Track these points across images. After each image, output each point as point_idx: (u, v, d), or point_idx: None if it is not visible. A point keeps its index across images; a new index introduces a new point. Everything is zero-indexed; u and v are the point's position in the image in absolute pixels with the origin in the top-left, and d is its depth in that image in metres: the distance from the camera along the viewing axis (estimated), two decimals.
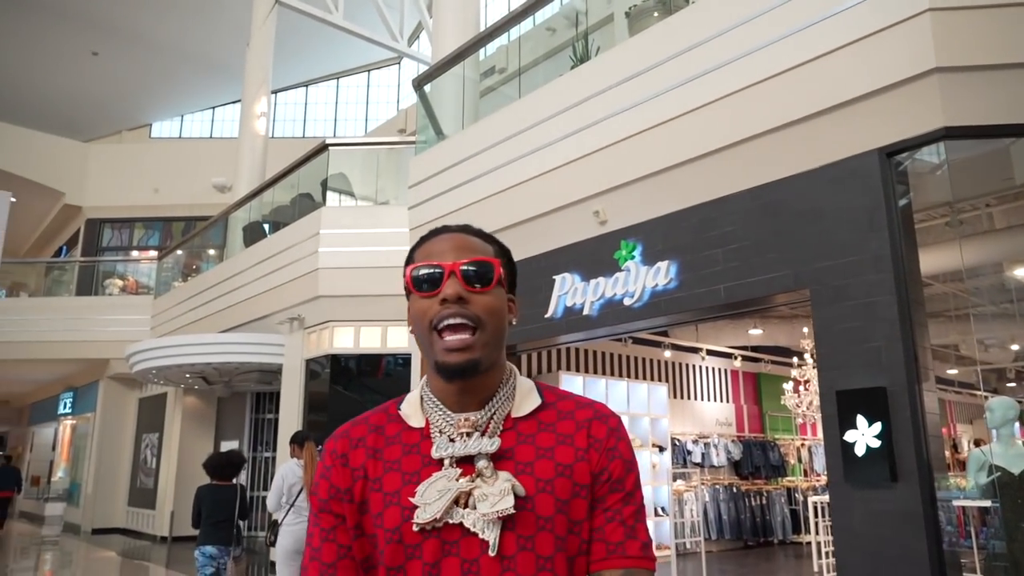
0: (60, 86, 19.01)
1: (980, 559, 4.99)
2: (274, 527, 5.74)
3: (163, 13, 16.92)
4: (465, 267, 1.05)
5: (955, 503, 4.32)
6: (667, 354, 11.11)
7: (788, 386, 10.72)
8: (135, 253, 19.07)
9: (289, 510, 5.57)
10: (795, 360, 10.63)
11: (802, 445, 12.77)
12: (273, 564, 6.30)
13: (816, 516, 9.04)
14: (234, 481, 5.78)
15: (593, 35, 7.22)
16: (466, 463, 1.03)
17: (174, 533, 12.88)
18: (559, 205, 6.11)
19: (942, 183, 4.61)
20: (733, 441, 11.85)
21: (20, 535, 15.81)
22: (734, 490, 11.18)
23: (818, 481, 11.62)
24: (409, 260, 1.11)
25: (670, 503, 9.62)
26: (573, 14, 8.42)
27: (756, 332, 10.74)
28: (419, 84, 8.06)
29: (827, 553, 8.41)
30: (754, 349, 12.37)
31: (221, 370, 11.20)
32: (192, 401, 13.55)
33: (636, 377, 10.73)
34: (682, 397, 11.71)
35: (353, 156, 11.26)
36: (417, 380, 7.59)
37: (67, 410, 17.64)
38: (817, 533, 8.93)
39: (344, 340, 9.37)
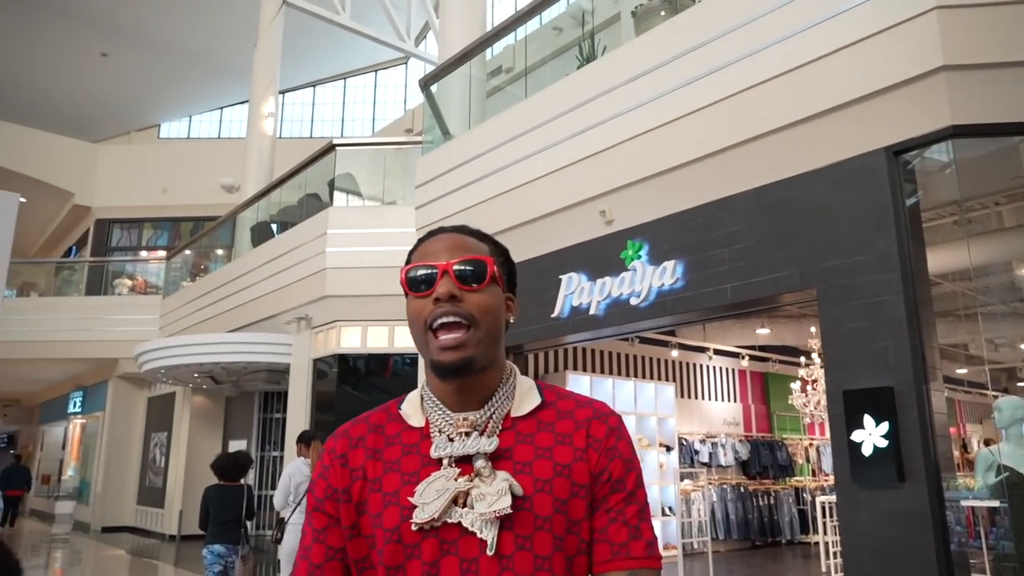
0: (69, 87, 19.12)
1: (989, 560, 4.97)
2: (281, 525, 5.77)
3: (171, 14, 16.99)
4: (458, 266, 1.06)
5: (963, 503, 4.30)
6: (674, 354, 11.09)
7: (796, 386, 10.69)
8: (144, 253, 19.17)
9: (296, 508, 5.59)
10: (803, 360, 10.60)
11: (810, 445, 12.73)
12: (279, 562, 6.33)
13: (824, 516, 9.00)
14: (241, 482, 5.82)
15: (600, 35, 7.22)
16: (465, 463, 1.04)
17: (183, 532, 12.95)
18: (565, 205, 6.11)
19: (950, 182, 4.59)
20: (741, 441, 11.82)
21: (31, 533, 15.92)
22: (741, 490, 11.15)
23: (826, 481, 11.58)
24: (407, 262, 1.12)
25: (677, 503, 9.60)
26: (580, 13, 8.41)
27: (764, 332, 10.71)
28: (426, 84, 8.07)
29: (835, 553, 8.38)
30: (762, 349, 12.34)
31: (229, 369, 11.25)
32: (200, 400, 13.61)
33: (643, 377, 10.71)
34: (689, 397, 11.69)
35: (360, 156, 11.29)
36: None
37: (77, 409, 17.75)
38: (825, 533, 8.90)
39: (351, 340, 9.40)
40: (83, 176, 18.91)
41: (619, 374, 10.33)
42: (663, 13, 6.18)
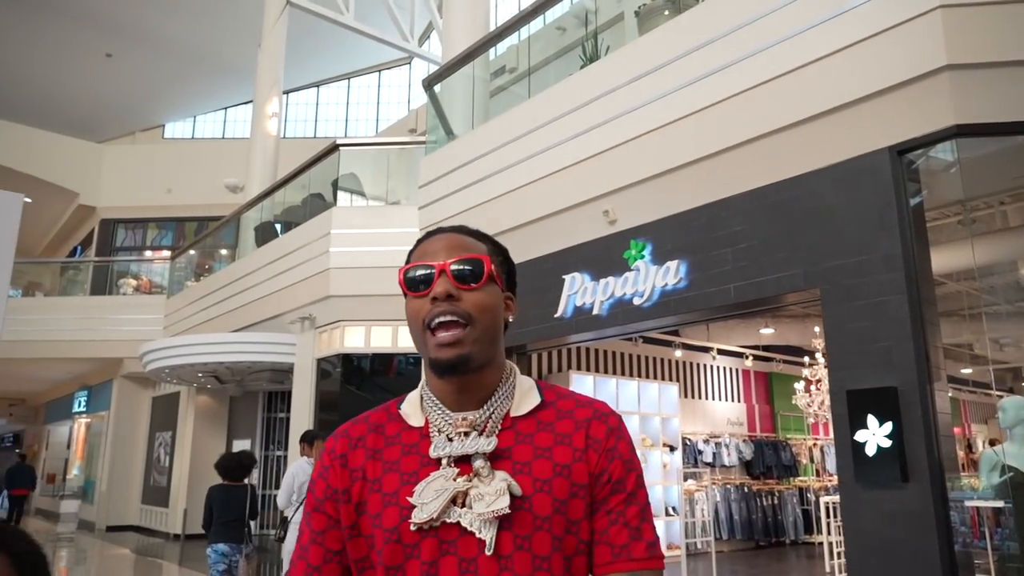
0: (74, 88, 19.19)
1: (994, 560, 4.96)
2: (284, 524, 5.79)
3: (176, 15, 17.04)
4: (455, 265, 1.07)
5: (967, 503, 4.29)
6: (678, 353, 11.08)
7: (799, 386, 10.67)
8: (148, 253, 19.24)
9: (299, 508, 5.61)
10: (807, 360, 10.58)
11: (814, 445, 12.71)
12: (283, 561, 6.35)
13: (828, 516, 8.99)
14: (245, 481, 5.84)
15: (603, 34, 7.22)
16: (464, 462, 1.04)
17: (187, 531, 12.98)
18: (569, 205, 6.11)
19: (954, 181, 4.58)
20: (744, 441, 11.81)
21: (36, 532, 15.97)
22: (745, 490, 11.14)
23: (830, 481, 11.56)
24: (407, 263, 1.13)
25: (680, 503, 9.60)
26: (583, 13, 8.41)
27: (768, 331, 10.69)
28: (429, 84, 8.08)
29: (839, 554, 8.37)
30: (766, 348, 12.32)
31: (233, 369, 11.27)
32: (205, 400, 13.65)
33: (647, 377, 10.71)
34: (693, 397, 11.68)
35: (364, 156, 11.31)
36: None
37: (82, 408, 17.81)
38: (829, 533, 8.89)
39: (355, 339, 9.41)
40: (88, 176, 18.98)
41: (623, 374, 10.32)
42: (667, 13, 6.18)
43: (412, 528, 1.00)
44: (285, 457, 12.08)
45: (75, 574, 10.70)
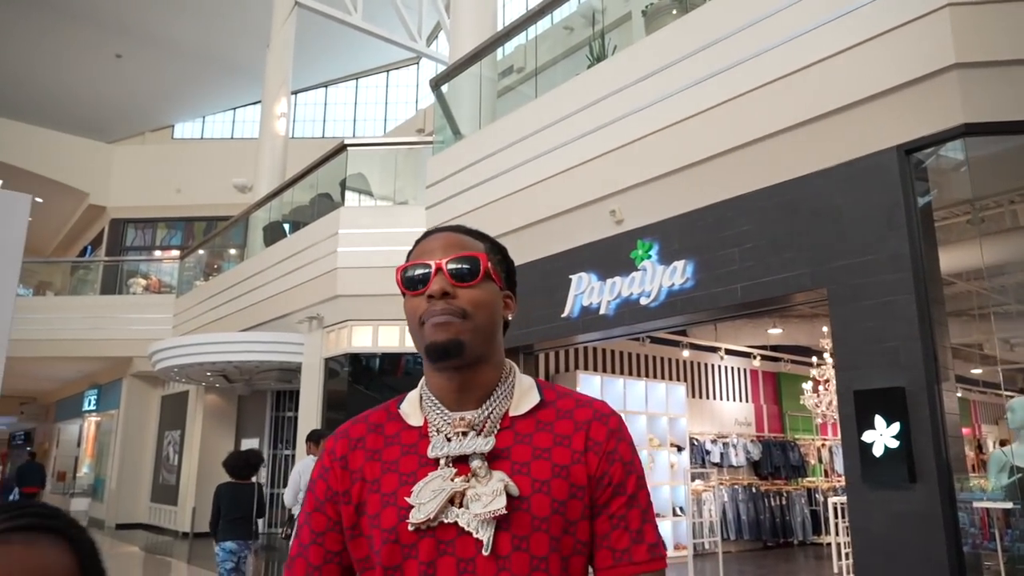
0: (85, 88, 19.31)
1: (1004, 561, 4.93)
2: (291, 522, 5.83)
3: (185, 16, 17.12)
4: (451, 263, 1.07)
5: (976, 504, 4.26)
6: (685, 353, 11.06)
7: (807, 386, 10.63)
8: (158, 253, 19.34)
9: None
10: (815, 360, 10.54)
11: (823, 445, 12.66)
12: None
13: (836, 517, 8.95)
14: (252, 480, 5.88)
15: (610, 34, 7.22)
16: (462, 463, 1.04)
17: (196, 529, 13.03)
18: (575, 204, 6.11)
19: (963, 180, 4.56)
20: (752, 441, 11.77)
21: None
22: (753, 490, 11.10)
23: (839, 482, 11.51)
24: (405, 262, 1.13)
25: (688, 503, 9.58)
26: (590, 13, 8.42)
27: (776, 331, 10.66)
28: (436, 84, 8.09)
29: (847, 554, 8.33)
30: (774, 348, 12.28)
31: (241, 368, 11.32)
32: (213, 399, 13.71)
33: (654, 377, 10.69)
34: (701, 397, 11.65)
35: (372, 156, 11.34)
36: None
37: (92, 407, 17.92)
38: (837, 534, 8.85)
39: (363, 339, 9.43)
40: (98, 176, 19.10)
41: (630, 374, 10.31)
42: (674, 12, 6.17)
43: (410, 528, 1.00)
44: (293, 456, 12.12)
45: None
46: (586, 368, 9.61)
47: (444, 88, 8.09)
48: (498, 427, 1.08)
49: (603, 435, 1.07)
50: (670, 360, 11.11)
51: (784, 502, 11.37)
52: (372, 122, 20.89)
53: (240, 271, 12.18)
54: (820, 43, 4.43)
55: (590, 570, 1.07)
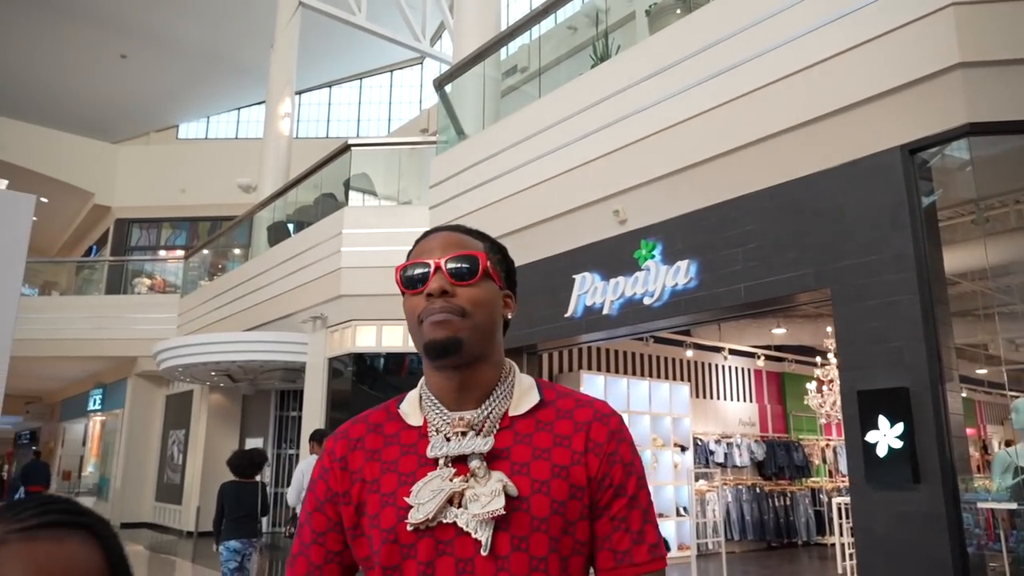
0: (90, 89, 19.37)
1: (1009, 562, 4.91)
2: (294, 521, 5.85)
3: (189, 16, 17.17)
4: (450, 262, 1.07)
5: (980, 505, 4.25)
6: (689, 353, 11.05)
7: (811, 386, 10.62)
8: (162, 252, 19.39)
9: None
10: (819, 360, 10.52)
11: (827, 445, 12.63)
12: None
13: (840, 517, 8.93)
14: (256, 478, 5.90)
15: (614, 34, 7.20)
16: (461, 462, 1.04)
17: (200, 528, 13.07)
18: (579, 204, 6.11)
19: (967, 180, 4.54)
20: (756, 441, 11.76)
21: None
22: (757, 491, 11.09)
23: (843, 482, 11.49)
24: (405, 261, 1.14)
25: (691, 503, 9.57)
26: (594, 12, 8.40)
27: (780, 331, 10.65)
28: (440, 84, 8.09)
29: (851, 555, 8.31)
30: (778, 348, 12.26)
31: (246, 368, 11.34)
32: (218, 398, 13.74)
33: (658, 377, 10.68)
34: (705, 397, 11.64)
35: (375, 156, 11.35)
36: None
37: (97, 406, 17.97)
38: (841, 535, 8.83)
39: (367, 339, 9.45)
40: (103, 176, 19.16)
41: (633, 374, 10.31)
42: (678, 12, 6.16)
43: (408, 528, 1.00)
44: (297, 455, 12.15)
45: None
46: (590, 368, 9.61)
47: (448, 88, 8.10)
48: (497, 427, 1.07)
49: (604, 436, 1.07)
50: (674, 360, 11.10)
51: (788, 502, 11.35)
52: (376, 122, 20.91)
53: (244, 271, 12.21)
54: (823, 43, 4.42)
55: (590, 570, 1.08)
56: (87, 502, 18.05)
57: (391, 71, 20.91)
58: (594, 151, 5.88)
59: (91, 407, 18.24)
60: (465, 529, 0.99)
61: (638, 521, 1.06)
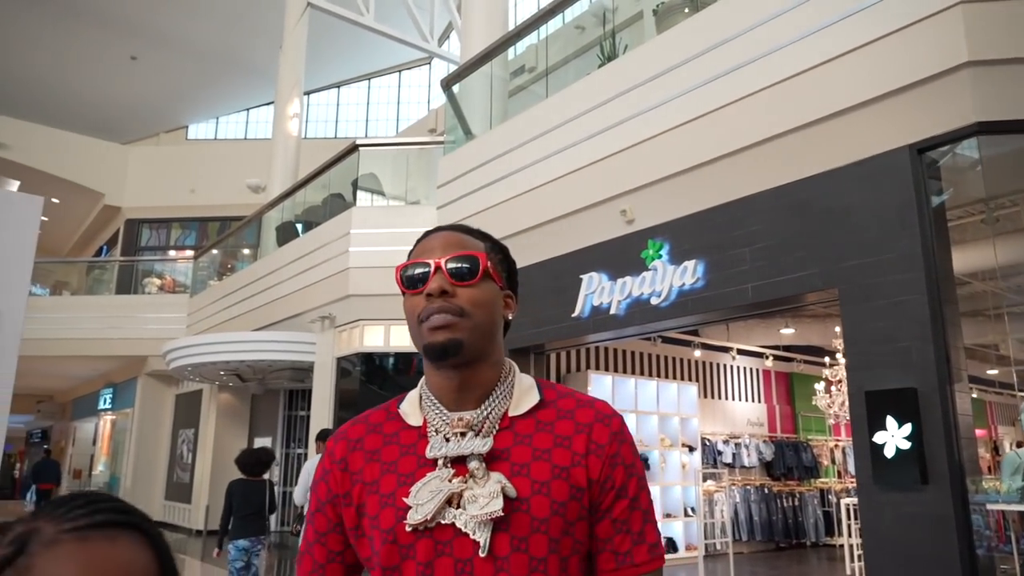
0: (100, 90, 19.51)
1: (1020, 564, 4.88)
2: (300, 519, 5.89)
3: (199, 18, 17.26)
4: (450, 262, 1.07)
5: (989, 507, 4.23)
6: (697, 353, 11.02)
7: (820, 386, 10.57)
8: (172, 253, 19.49)
9: None
10: (827, 360, 10.48)
11: (836, 446, 12.58)
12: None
13: (849, 518, 8.90)
14: (264, 477, 5.94)
15: (621, 33, 7.20)
16: (460, 463, 1.03)
17: (209, 527, 13.13)
18: (586, 204, 6.11)
19: (976, 179, 4.52)
20: (765, 441, 11.72)
21: None
22: (765, 491, 11.05)
23: (852, 483, 11.42)
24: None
25: (699, 503, 9.55)
26: (602, 12, 8.40)
27: (788, 331, 10.61)
28: (447, 84, 8.10)
29: (859, 556, 8.27)
30: (786, 348, 12.22)
31: (255, 367, 11.39)
32: (227, 398, 13.80)
33: (666, 377, 10.66)
34: (713, 397, 11.60)
35: (384, 156, 11.37)
36: None
37: (107, 406, 18.09)
38: (850, 536, 8.80)
39: (374, 338, 9.47)
40: (113, 177, 19.28)
41: (641, 374, 10.29)
42: (686, 11, 6.15)
43: (407, 529, 1.00)
44: (305, 454, 12.19)
45: None
46: (597, 368, 9.60)
47: (455, 88, 8.11)
48: (497, 427, 1.07)
49: (606, 438, 1.07)
50: (682, 360, 11.08)
51: (797, 503, 11.31)
52: (384, 122, 20.96)
53: (253, 271, 12.26)
54: (831, 42, 4.40)
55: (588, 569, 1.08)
56: None
57: (399, 71, 20.95)
58: (601, 151, 5.87)
59: (101, 406, 18.36)
60: (464, 530, 0.99)
61: (639, 522, 1.06)
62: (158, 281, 17.03)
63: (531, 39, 8.42)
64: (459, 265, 1.07)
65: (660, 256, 5.64)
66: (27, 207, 2.31)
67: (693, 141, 5.22)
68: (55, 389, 22.22)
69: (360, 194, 10.54)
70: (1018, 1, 3.80)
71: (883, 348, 4.15)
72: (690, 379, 11.12)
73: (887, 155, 4.27)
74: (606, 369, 9.74)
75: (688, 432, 10.48)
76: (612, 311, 5.97)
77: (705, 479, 10.13)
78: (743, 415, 11.96)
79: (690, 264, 5.39)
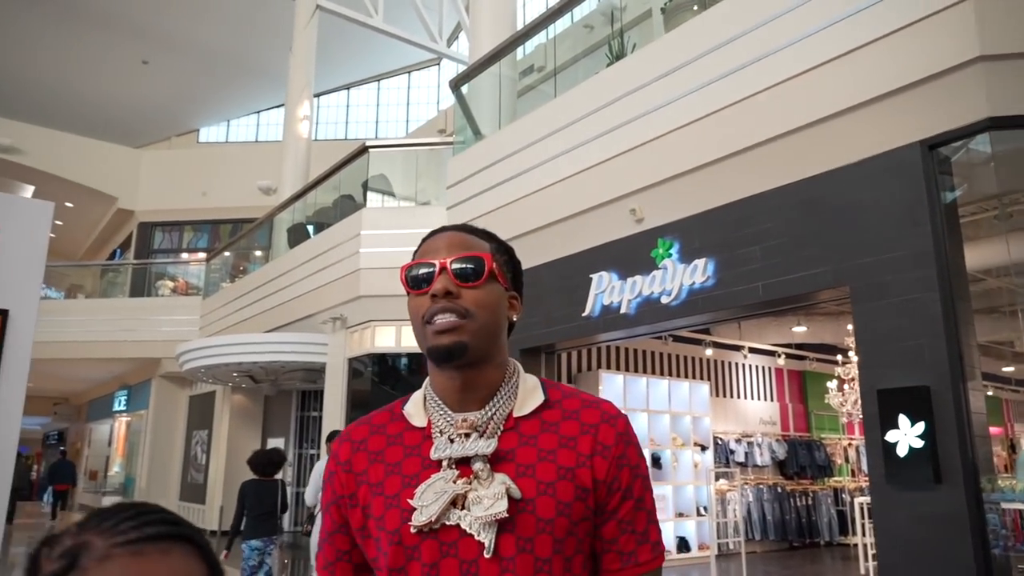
0: (113, 95, 19.68)
1: None
2: (312, 519, 5.93)
3: (209, 22, 17.37)
4: (455, 263, 1.07)
5: (1004, 505, 4.19)
6: (708, 352, 10.98)
7: (832, 384, 10.51)
8: (185, 255, 19.62)
9: None
10: (840, 358, 10.42)
11: (849, 444, 12.50)
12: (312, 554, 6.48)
13: (863, 517, 8.84)
14: (277, 477, 5.98)
15: (629, 32, 7.19)
16: (464, 464, 1.04)
17: (223, 527, 13.21)
18: (596, 203, 6.10)
19: (989, 175, 4.48)
20: (777, 440, 11.66)
21: None
22: (778, 490, 11.00)
23: (865, 482, 11.33)
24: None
25: (711, 503, 9.52)
26: (610, 11, 8.38)
27: (800, 329, 10.56)
28: (456, 85, 8.11)
29: (874, 555, 8.22)
30: (799, 347, 12.16)
31: (267, 369, 11.45)
32: (240, 399, 13.88)
33: (677, 376, 10.63)
34: (725, 396, 11.56)
35: (393, 157, 11.40)
36: None
37: (122, 407, 18.24)
38: (864, 535, 8.74)
39: (386, 339, 9.50)
40: (126, 181, 19.42)
41: (653, 373, 10.27)
42: (694, 8, 6.13)
43: (412, 531, 1.00)
44: (317, 455, 12.24)
45: None
46: (608, 367, 9.59)
47: (464, 88, 8.12)
48: (501, 428, 1.07)
49: (612, 439, 1.07)
50: (693, 359, 11.04)
51: (810, 502, 11.25)
52: (394, 123, 21.02)
53: (265, 272, 12.33)
54: (841, 38, 4.38)
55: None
56: (113, 501, 18.38)
57: (408, 72, 21.00)
58: (610, 150, 5.86)
59: (116, 408, 18.51)
60: (468, 531, 0.99)
61: (643, 522, 1.07)
62: (171, 283, 17.15)
63: (540, 38, 8.42)
64: (464, 266, 1.07)
65: (670, 255, 5.63)
66: (38, 212, 2.34)
67: (703, 139, 5.21)
68: (71, 391, 22.44)
69: (370, 195, 10.57)
70: None
71: (895, 346, 4.12)
72: (702, 378, 11.08)
73: (898, 151, 4.24)
74: (617, 368, 9.72)
75: (700, 431, 10.45)
76: (622, 310, 5.96)
77: (717, 478, 10.09)
78: (755, 414, 11.91)
79: (700, 263, 5.38)
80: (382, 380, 9.45)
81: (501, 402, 1.09)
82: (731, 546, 10.19)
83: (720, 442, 10.84)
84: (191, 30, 17.61)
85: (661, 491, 9.67)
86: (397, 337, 9.48)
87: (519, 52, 8.49)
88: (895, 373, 4.10)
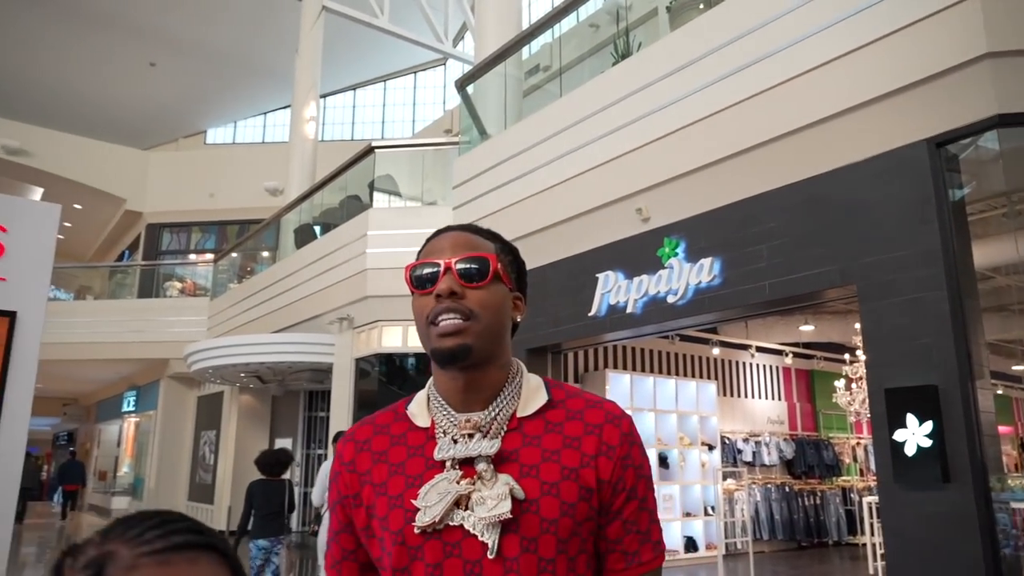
0: (121, 97, 19.77)
1: None
2: (318, 519, 5.95)
3: (215, 23, 17.43)
4: (460, 263, 1.07)
5: (1014, 505, 4.17)
6: (716, 351, 10.96)
7: (840, 383, 10.48)
8: (192, 256, 19.71)
9: None
10: (847, 357, 10.38)
11: (857, 444, 12.45)
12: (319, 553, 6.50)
13: (871, 517, 8.81)
14: (283, 477, 6.01)
15: (635, 31, 7.18)
16: (468, 465, 1.04)
17: (231, 527, 13.26)
18: (602, 203, 6.09)
19: (997, 172, 4.45)
20: (785, 439, 11.63)
21: (89, 526, 16.49)
22: (786, 489, 10.97)
23: (874, 481, 11.30)
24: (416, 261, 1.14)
25: (719, 502, 9.50)
26: (615, 10, 8.38)
27: (808, 328, 10.52)
28: (461, 85, 8.11)
29: (883, 555, 8.19)
30: (806, 346, 12.11)
31: (274, 369, 11.48)
32: (247, 399, 13.93)
33: (684, 375, 10.62)
34: (732, 395, 11.54)
35: (399, 158, 11.41)
36: None
37: (131, 408, 18.34)
38: (872, 534, 8.71)
39: (393, 339, 9.51)
40: (134, 183, 19.53)
41: (659, 372, 10.26)
42: (700, 6, 6.12)
43: (416, 531, 1.01)
44: (325, 455, 12.27)
45: None
46: (615, 367, 9.58)
47: (470, 88, 8.12)
48: (505, 428, 1.07)
49: (616, 439, 1.07)
50: (700, 358, 11.02)
51: (818, 501, 11.21)
52: (400, 123, 21.04)
53: (272, 273, 12.37)
54: (848, 35, 4.36)
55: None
56: (122, 502, 18.45)
57: (415, 73, 21.02)
58: (616, 149, 5.86)
59: (125, 408, 18.62)
60: (472, 532, 0.99)
61: (646, 522, 1.07)
62: (179, 284, 17.23)
63: (545, 38, 8.41)
64: (469, 266, 1.07)
65: (676, 254, 5.62)
66: (45, 215, 2.35)
67: (708, 138, 5.19)
68: (80, 392, 22.57)
69: (377, 195, 10.59)
70: None
71: (903, 345, 4.11)
72: (709, 377, 11.06)
73: (905, 149, 4.22)
74: (624, 368, 9.71)
75: (707, 430, 10.43)
76: (629, 310, 5.95)
77: (725, 478, 10.07)
78: (763, 413, 11.88)
79: (707, 262, 5.37)
80: (389, 380, 9.47)
81: (505, 402, 1.09)
82: (739, 546, 10.16)
83: (727, 441, 10.82)
84: (198, 32, 17.68)
85: (668, 491, 9.66)
86: (404, 337, 9.50)
87: (525, 52, 8.49)
88: (903, 372, 4.08)
